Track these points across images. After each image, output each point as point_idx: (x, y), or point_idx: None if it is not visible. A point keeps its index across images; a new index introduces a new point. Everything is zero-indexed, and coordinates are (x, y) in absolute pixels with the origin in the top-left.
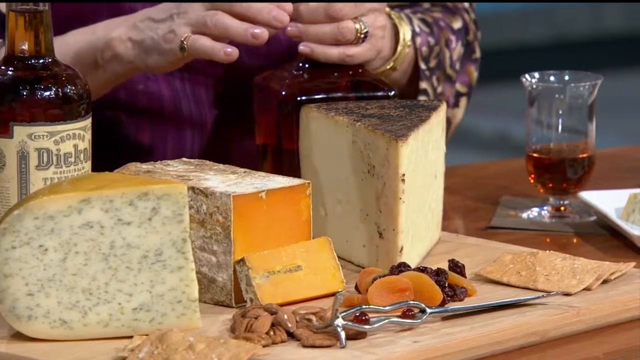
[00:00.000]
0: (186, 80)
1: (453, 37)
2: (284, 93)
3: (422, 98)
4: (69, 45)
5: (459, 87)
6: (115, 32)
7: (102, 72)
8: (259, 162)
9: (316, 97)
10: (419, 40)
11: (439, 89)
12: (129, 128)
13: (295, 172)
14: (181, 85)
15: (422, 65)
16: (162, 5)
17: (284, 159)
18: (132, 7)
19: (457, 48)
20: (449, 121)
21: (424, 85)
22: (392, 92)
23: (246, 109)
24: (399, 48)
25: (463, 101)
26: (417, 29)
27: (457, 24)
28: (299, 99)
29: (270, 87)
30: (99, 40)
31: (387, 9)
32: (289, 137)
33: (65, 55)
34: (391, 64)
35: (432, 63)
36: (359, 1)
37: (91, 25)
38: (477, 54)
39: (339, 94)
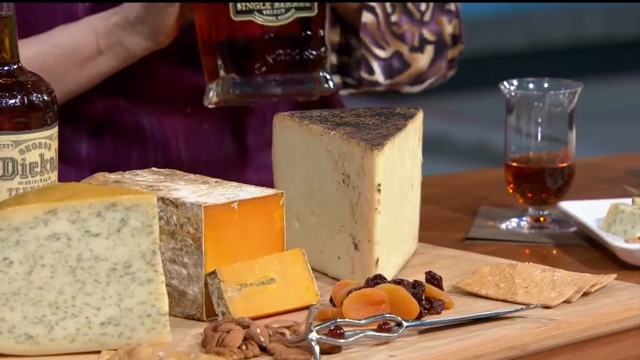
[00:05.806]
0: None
1: None
2: None
3: (367, 15)
4: (56, 39)
5: (426, 33)
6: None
7: (102, 59)
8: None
9: None
10: None
11: (393, 18)
12: (89, 144)
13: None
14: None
15: None
16: None
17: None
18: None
19: None
20: (407, 64)
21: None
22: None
23: (211, 118)
24: None
25: (429, 50)
26: None
27: None
28: None
29: None
30: (99, 27)
31: None
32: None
33: (52, 49)
34: None
35: None
36: None
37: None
38: (452, 6)
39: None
